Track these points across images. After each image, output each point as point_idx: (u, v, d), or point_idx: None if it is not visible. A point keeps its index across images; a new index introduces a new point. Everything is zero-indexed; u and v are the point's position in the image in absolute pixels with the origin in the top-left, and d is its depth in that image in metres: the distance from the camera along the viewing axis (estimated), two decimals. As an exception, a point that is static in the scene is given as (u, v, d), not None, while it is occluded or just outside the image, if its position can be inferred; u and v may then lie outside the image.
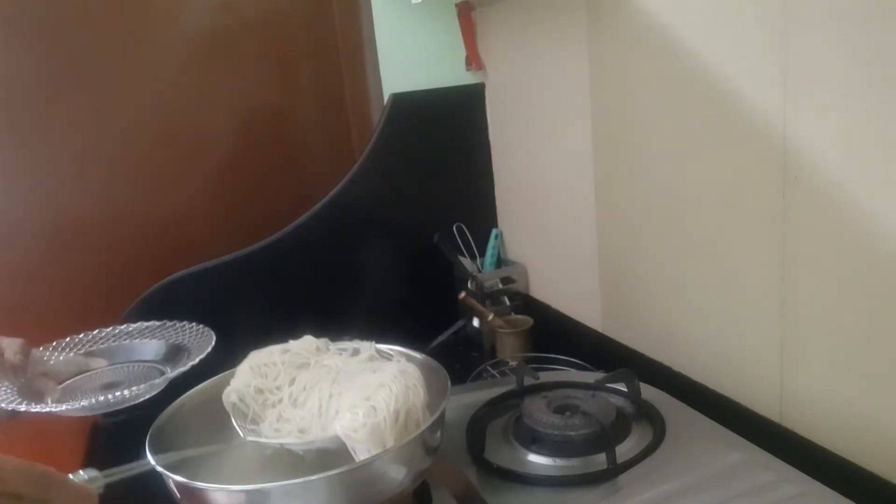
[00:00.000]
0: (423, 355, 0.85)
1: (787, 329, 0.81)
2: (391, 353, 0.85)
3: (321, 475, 0.64)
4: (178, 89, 1.28)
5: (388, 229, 1.33)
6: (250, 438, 0.76)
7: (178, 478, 0.67)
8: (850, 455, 0.75)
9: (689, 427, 0.84)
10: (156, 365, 0.92)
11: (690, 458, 0.77)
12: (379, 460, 0.68)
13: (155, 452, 0.71)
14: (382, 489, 0.70)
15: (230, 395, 0.79)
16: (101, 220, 1.25)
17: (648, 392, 0.92)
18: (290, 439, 0.75)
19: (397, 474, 0.70)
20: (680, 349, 0.99)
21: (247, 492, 0.66)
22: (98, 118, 1.23)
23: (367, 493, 0.68)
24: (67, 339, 0.94)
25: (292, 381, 0.80)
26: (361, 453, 0.70)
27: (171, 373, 0.85)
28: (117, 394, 0.80)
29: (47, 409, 0.79)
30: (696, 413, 0.88)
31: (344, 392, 0.75)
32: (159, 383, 0.84)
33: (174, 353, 0.93)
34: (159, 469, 0.69)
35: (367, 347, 0.85)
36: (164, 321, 0.97)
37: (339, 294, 1.30)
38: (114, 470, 0.68)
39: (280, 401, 0.79)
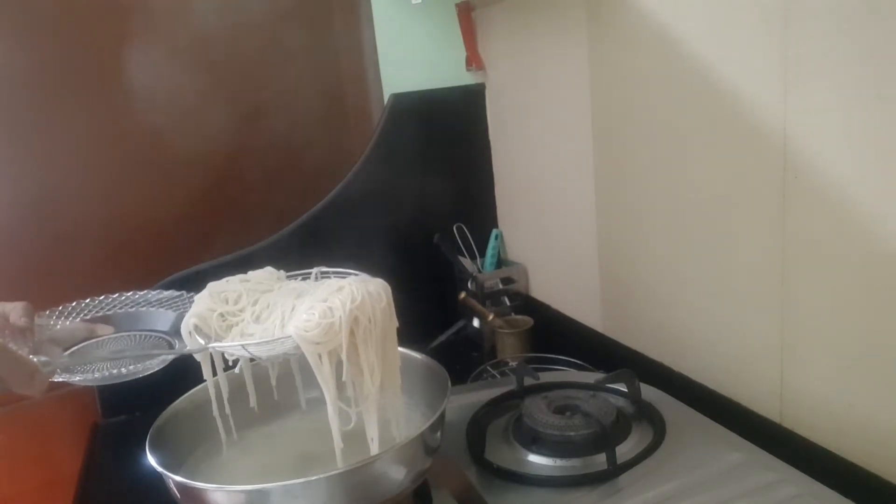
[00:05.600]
0: (424, 355, 0.85)
1: (787, 329, 0.81)
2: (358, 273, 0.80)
3: (321, 475, 0.64)
4: (179, 89, 1.28)
5: (388, 229, 1.33)
6: (211, 346, 0.73)
7: (178, 478, 0.67)
8: (850, 455, 0.75)
9: (689, 427, 0.84)
10: (164, 336, 0.86)
11: (690, 459, 0.77)
12: (379, 460, 0.68)
13: (155, 453, 0.71)
14: (383, 489, 0.70)
15: (189, 321, 0.75)
16: (101, 220, 1.25)
17: (648, 392, 0.92)
18: (247, 340, 0.71)
19: (397, 474, 0.70)
20: (680, 349, 0.99)
21: (247, 492, 0.66)
22: (99, 118, 1.23)
23: (368, 493, 0.68)
24: (73, 303, 0.88)
25: (255, 303, 0.76)
26: (312, 357, 0.67)
27: (184, 347, 0.80)
28: (131, 367, 0.75)
29: (58, 379, 0.74)
30: (696, 413, 0.88)
31: (306, 302, 0.72)
32: (170, 356, 0.78)
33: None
34: (159, 469, 0.69)
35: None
36: (172, 291, 0.91)
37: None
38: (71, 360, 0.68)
39: (242, 320, 0.75)
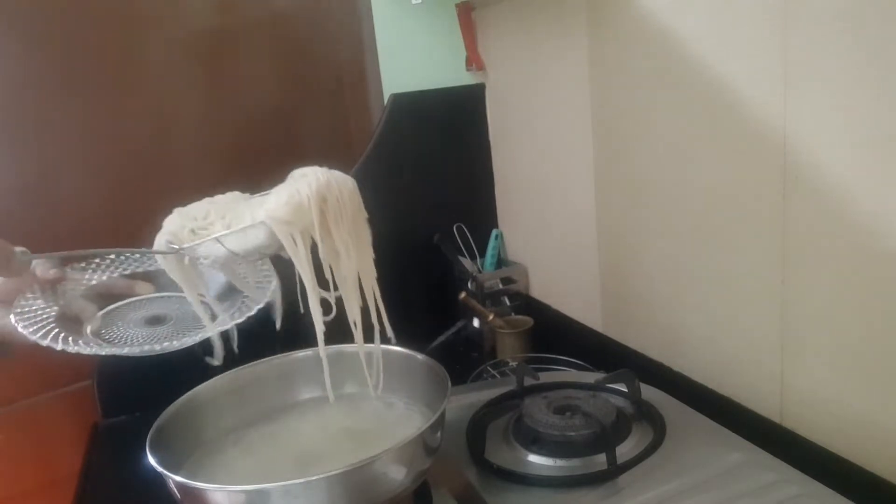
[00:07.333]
0: (424, 355, 0.85)
1: (787, 329, 0.81)
2: None
3: (321, 475, 0.64)
4: (179, 89, 1.28)
5: (388, 229, 1.33)
6: (184, 246, 0.70)
7: (178, 478, 0.67)
8: (850, 455, 0.75)
9: (689, 427, 0.84)
10: (206, 302, 0.76)
11: (690, 459, 0.77)
12: (379, 460, 0.68)
13: (155, 453, 0.71)
14: (383, 489, 0.70)
15: (161, 238, 0.72)
16: (101, 221, 1.25)
17: (648, 392, 0.92)
18: (219, 233, 0.69)
19: (397, 474, 0.70)
20: (680, 349, 0.99)
21: (247, 492, 0.66)
22: (99, 118, 1.23)
23: (368, 493, 0.68)
24: (112, 255, 0.78)
25: (223, 216, 0.74)
26: (286, 239, 0.67)
27: (229, 321, 0.73)
28: (165, 343, 0.70)
29: (86, 349, 0.68)
30: (696, 413, 0.88)
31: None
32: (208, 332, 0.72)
33: (230, 293, 0.78)
34: (160, 469, 0.69)
35: None
36: None
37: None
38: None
39: (214, 231, 0.72)
